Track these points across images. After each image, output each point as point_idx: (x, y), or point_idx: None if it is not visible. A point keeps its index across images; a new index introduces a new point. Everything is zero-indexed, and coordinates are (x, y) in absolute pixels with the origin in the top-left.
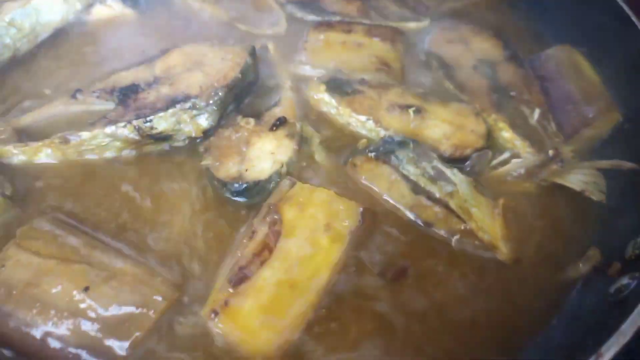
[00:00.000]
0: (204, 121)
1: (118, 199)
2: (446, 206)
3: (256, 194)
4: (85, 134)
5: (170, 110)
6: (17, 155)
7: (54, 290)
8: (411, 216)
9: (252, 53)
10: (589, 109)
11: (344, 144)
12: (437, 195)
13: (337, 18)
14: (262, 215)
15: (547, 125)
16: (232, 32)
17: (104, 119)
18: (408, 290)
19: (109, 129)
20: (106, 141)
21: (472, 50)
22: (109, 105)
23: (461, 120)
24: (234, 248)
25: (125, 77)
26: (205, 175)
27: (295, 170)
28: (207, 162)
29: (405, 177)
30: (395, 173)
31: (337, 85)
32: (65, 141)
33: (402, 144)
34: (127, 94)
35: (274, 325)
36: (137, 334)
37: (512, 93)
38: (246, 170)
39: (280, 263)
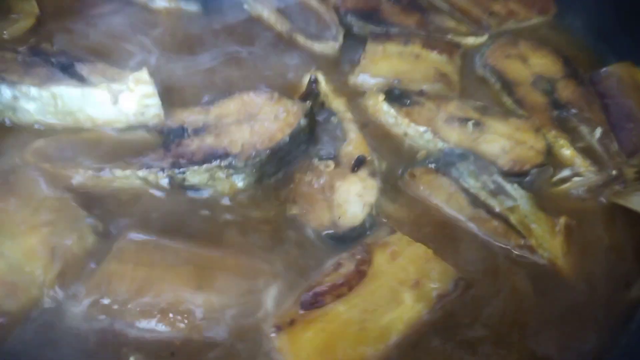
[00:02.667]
0: (240, 181)
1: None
2: (506, 221)
3: (352, 240)
4: (118, 172)
5: (205, 166)
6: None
7: (167, 295)
8: (471, 227)
9: (309, 114)
10: None
11: (401, 155)
12: (497, 209)
13: (396, 30)
14: (352, 252)
15: (609, 144)
16: (289, 44)
17: (140, 161)
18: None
19: (142, 173)
20: (137, 182)
21: (531, 66)
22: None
23: (520, 136)
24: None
25: (179, 116)
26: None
27: None
28: (294, 212)
29: (465, 190)
30: (455, 185)
31: (396, 96)
32: (97, 171)
33: (463, 156)
34: (173, 136)
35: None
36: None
37: (573, 110)
38: (339, 217)
39: (358, 302)
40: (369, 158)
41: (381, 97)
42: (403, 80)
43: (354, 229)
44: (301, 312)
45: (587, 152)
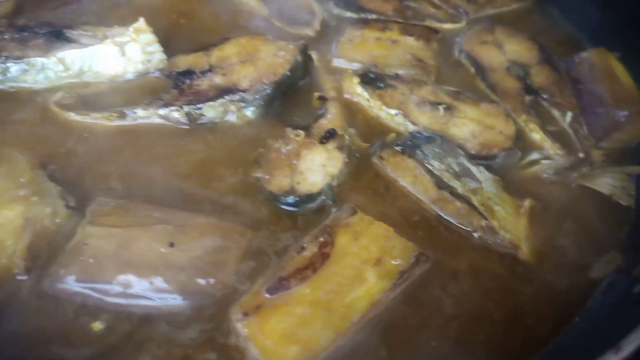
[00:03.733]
0: (250, 113)
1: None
2: (469, 202)
3: (307, 205)
4: (140, 112)
5: (220, 101)
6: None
7: (142, 251)
8: (435, 209)
9: (304, 51)
10: (621, 113)
11: (376, 135)
12: (460, 191)
13: (374, 16)
14: (315, 234)
15: (579, 128)
16: (269, 29)
17: (159, 101)
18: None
19: (162, 111)
20: (158, 121)
21: (506, 52)
22: None
23: (490, 121)
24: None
25: (184, 62)
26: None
27: None
28: (258, 174)
29: (430, 172)
30: (420, 167)
31: (370, 79)
32: (122, 115)
33: (430, 139)
34: (183, 80)
35: (299, 341)
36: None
37: (545, 95)
38: (298, 183)
39: (321, 283)
40: (340, 133)
41: (356, 79)
42: (379, 64)
43: (311, 195)
44: (267, 296)
45: (557, 136)
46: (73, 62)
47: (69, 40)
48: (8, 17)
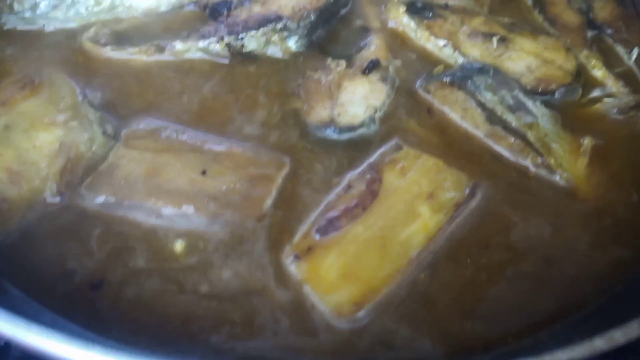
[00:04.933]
0: (293, 44)
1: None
2: (523, 138)
3: (347, 136)
4: (179, 45)
5: (262, 30)
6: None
7: (174, 178)
8: (488, 143)
9: None
10: None
11: (423, 67)
12: (514, 124)
13: None
14: (361, 172)
15: None
16: None
17: (198, 33)
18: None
19: (202, 43)
20: (198, 55)
21: None
22: None
23: (549, 54)
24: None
25: None
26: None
27: None
28: (296, 105)
29: (481, 105)
30: (471, 100)
31: (418, 8)
32: (160, 50)
33: (482, 70)
34: (219, 10)
35: (358, 280)
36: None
37: (609, 31)
38: (338, 115)
39: (374, 221)
40: (384, 64)
41: (402, 8)
42: None
43: (352, 127)
44: (317, 238)
45: (621, 73)
46: None
47: None
48: None
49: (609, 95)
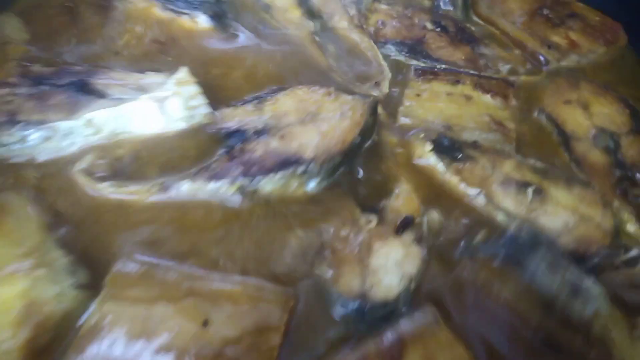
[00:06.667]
0: (312, 186)
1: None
2: (585, 333)
3: (377, 319)
4: (186, 186)
5: (280, 173)
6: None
7: (172, 332)
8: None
9: (374, 110)
10: None
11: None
12: (576, 317)
13: (443, 66)
14: (381, 342)
15: None
16: (327, 84)
17: (207, 171)
18: None
19: (212, 186)
20: (203, 197)
21: (593, 115)
22: None
23: (586, 210)
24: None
25: (231, 116)
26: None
27: None
28: (321, 270)
29: (538, 289)
30: (526, 282)
31: (446, 147)
32: (164, 189)
33: (533, 244)
34: (232, 144)
35: None
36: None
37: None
38: (371, 287)
39: None
40: (417, 220)
41: (428, 146)
42: (453, 126)
43: (386, 304)
44: None
45: None
46: (104, 124)
47: (96, 94)
48: (19, 58)
49: None
